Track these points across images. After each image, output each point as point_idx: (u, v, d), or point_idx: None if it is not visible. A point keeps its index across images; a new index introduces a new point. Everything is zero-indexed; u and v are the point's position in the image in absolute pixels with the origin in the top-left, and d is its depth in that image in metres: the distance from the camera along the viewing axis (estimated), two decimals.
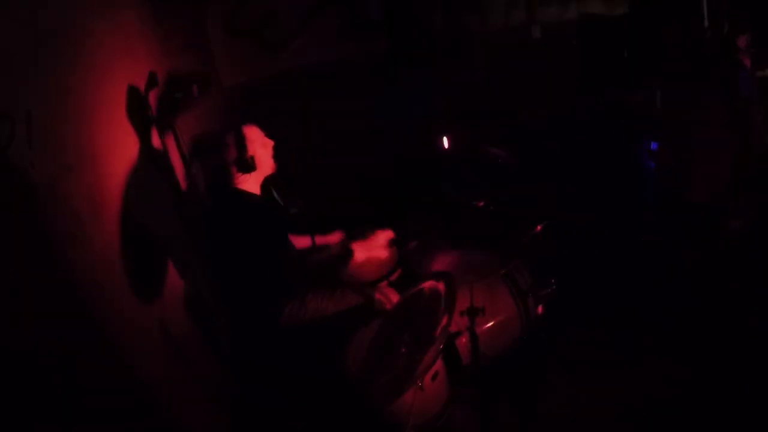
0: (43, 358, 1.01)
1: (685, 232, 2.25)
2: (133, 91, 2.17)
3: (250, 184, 2.02)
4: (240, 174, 1.97)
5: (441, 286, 1.81)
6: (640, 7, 3.83)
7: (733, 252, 2.57)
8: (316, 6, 3.78)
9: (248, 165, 1.95)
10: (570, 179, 4.09)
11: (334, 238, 2.55)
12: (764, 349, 2.15)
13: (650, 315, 2.48)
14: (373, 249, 2.43)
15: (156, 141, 2.34)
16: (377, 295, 2.12)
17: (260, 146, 2.00)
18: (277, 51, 3.76)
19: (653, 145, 3.24)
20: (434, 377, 1.78)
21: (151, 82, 2.31)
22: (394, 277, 2.27)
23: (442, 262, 2.41)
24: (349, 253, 2.43)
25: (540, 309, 2.21)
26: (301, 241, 2.51)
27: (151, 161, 2.16)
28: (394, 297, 2.10)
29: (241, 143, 1.95)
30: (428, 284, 1.92)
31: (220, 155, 1.94)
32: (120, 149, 1.86)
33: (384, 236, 2.45)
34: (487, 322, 2.16)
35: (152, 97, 2.33)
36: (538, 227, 2.12)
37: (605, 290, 2.69)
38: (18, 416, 0.91)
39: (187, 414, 1.67)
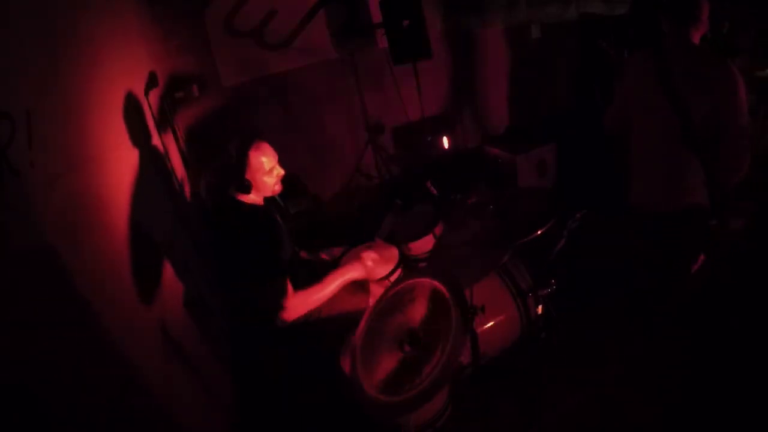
0: (43, 358, 1.01)
1: (685, 232, 2.26)
2: (133, 91, 2.17)
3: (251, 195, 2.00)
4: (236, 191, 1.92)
5: (439, 285, 1.79)
6: (640, 6, 3.83)
7: (733, 252, 2.58)
8: (316, 6, 3.78)
9: (245, 187, 1.89)
10: (569, 177, 4.10)
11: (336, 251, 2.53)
12: (764, 349, 2.15)
13: (650, 315, 2.48)
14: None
15: (156, 141, 2.34)
16: (378, 295, 2.11)
17: (263, 174, 1.91)
18: (276, 51, 3.76)
19: None
20: None
21: (151, 82, 2.31)
22: (394, 277, 2.27)
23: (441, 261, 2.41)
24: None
25: (540, 309, 2.21)
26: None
27: (151, 161, 2.16)
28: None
29: (244, 164, 1.86)
30: (425, 282, 1.90)
31: (222, 169, 1.87)
32: (120, 149, 1.86)
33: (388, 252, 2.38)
34: (487, 322, 2.15)
35: (152, 97, 2.34)
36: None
37: (605, 289, 2.69)
38: (17, 418, 0.91)
39: (187, 414, 1.67)
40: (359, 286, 2.20)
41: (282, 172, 1.98)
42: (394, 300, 1.85)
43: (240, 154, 1.86)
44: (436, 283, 1.75)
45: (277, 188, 1.99)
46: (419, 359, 1.60)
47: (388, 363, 1.67)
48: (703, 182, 2.09)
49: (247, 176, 1.87)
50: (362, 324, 1.82)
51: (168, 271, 1.98)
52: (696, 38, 1.99)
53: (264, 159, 1.90)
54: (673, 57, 2.00)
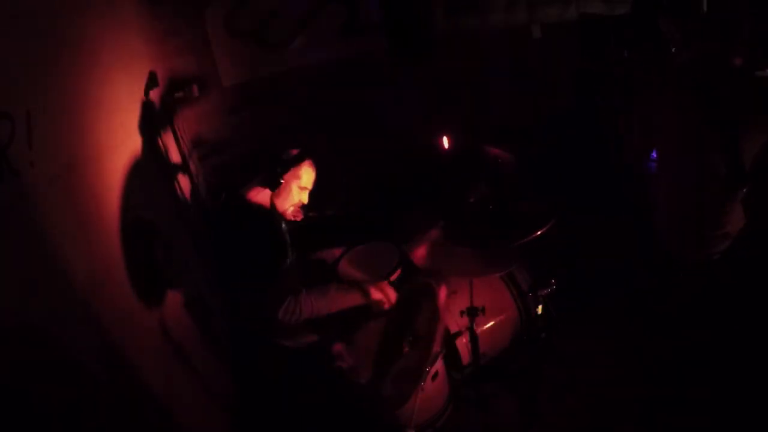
0: (43, 359, 1.01)
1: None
2: (133, 91, 2.17)
3: (261, 196, 2.01)
4: (258, 185, 1.97)
5: (438, 285, 1.81)
6: (640, 6, 3.82)
7: (733, 252, 2.57)
8: (316, 6, 3.78)
9: (274, 184, 1.94)
10: (569, 178, 4.09)
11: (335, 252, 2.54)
12: (764, 349, 2.15)
13: (651, 315, 2.48)
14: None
15: (156, 141, 2.34)
16: (376, 295, 2.12)
17: (298, 184, 2.00)
18: (277, 51, 3.76)
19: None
20: (434, 377, 1.79)
21: (151, 82, 2.31)
22: (394, 277, 2.27)
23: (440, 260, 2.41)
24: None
25: (540, 309, 2.21)
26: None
27: (151, 161, 2.16)
28: (393, 296, 2.10)
29: (291, 166, 1.95)
30: (424, 282, 1.92)
31: (271, 159, 1.94)
32: (120, 149, 1.86)
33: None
34: (487, 322, 2.16)
35: (152, 97, 2.33)
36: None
37: (606, 289, 2.69)
38: (18, 417, 0.91)
39: (187, 414, 1.67)
40: (355, 284, 2.20)
41: (306, 201, 2.06)
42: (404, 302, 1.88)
43: (298, 156, 1.97)
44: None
45: (290, 211, 2.05)
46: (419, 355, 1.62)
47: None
48: (742, 228, 1.92)
49: (286, 177, 1.94)
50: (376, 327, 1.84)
51: (168, 271, 1.98)
52: (739, 62, 1.71)
53: (310, 174, 2.03)
54: (717, 86, 1.65)
